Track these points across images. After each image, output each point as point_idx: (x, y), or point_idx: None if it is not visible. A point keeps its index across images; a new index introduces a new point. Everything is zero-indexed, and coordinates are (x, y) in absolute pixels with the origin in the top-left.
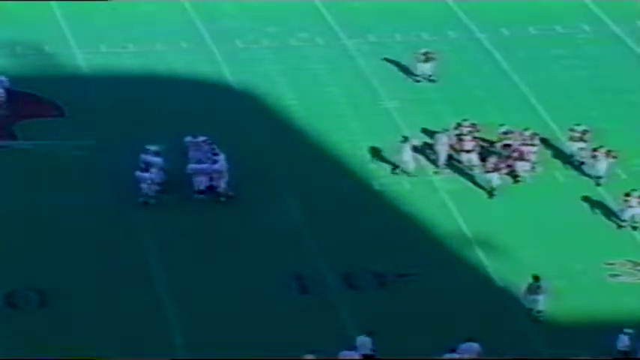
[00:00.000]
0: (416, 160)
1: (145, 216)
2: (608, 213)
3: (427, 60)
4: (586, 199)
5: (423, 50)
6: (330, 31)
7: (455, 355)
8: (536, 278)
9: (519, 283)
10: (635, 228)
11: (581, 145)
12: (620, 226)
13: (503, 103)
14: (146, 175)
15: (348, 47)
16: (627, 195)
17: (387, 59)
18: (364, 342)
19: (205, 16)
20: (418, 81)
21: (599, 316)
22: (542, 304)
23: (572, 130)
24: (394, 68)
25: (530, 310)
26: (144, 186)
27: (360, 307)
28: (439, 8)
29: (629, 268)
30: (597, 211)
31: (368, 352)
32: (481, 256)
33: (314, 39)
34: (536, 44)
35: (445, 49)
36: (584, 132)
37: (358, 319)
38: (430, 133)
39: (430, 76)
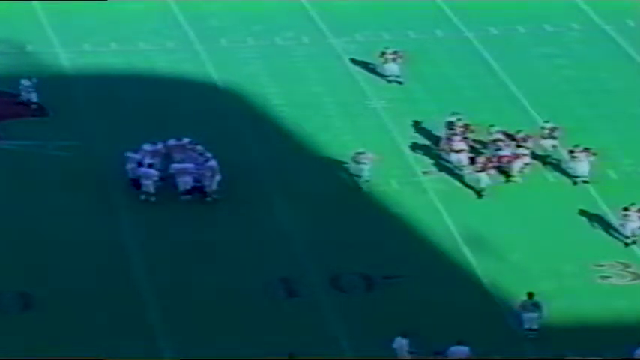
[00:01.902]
0: (370, 172)
1: (129, 217)
2: (599, 214)
3: (395, 60)
4: (576, 199)
5: (392, 50)
6: (316, 29)
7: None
8: (530, 295)
9: (509, 285)
10: (634, 242)
11: (552, 142)
12: (626, 244)
13: (491, 102)
14: (152, 171)
15: (335, 46)
16: (626, 209)
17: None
18: (402, 343)
19: (190, 15)
20: (396, 81)
21: (588, 317)
22: (537, 322)
23: (542, 127)
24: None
25: (525, 328)
26: (147, 183)
27: (347, 310)
28: (427, 7)
29: (619, 270)
30: (587, 212)
31: (406, 353)
32: (470, 258)
33: (300, 38)
34: (525, 43)
35: (433, 48)
36: (553, 129)
37: (345, 321)
38: (421, 132)
39: (398, 76)
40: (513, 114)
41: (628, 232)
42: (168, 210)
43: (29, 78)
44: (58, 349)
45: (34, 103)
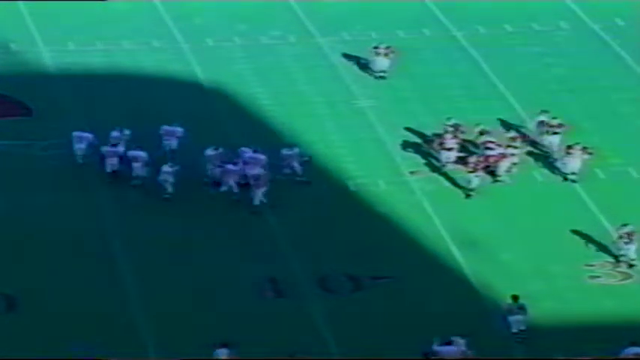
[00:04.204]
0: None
1: (115, 216)
2: (588, 214)
3: (387, 55)
4: (565, 199)
5: (384, 45)
6: (302, 28)
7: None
8: (515, 298)
9: (498, 285)
10: (631, 266)
11: (557, 138)
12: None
13: (480, 101)
14: (141, 153)
15: (322, 45)
16: (628, 234)
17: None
18: (459, 343)
19: (175, 14)
20: (381, 77)
21: (578, 317)
22: (524, 324)
23: (547, 124)
24: (369, 66)
25: (513, 332)
26: (136, 165)
27: (335, 311)
28: (414, 6)
29: (609, 270)
30: (576, 212)
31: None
32: (458, 258)
33: (286, 37)
34: (513, 42)
35: (421, 47)
36: (560, 125)
37: (333, 322)
38: (408, 132)
39: (384, 72)
40: (502, 113)
41: (632, 254)
42: (154, 209)
43: (120, 129)
44: (42, 350)
45: (122, 156)
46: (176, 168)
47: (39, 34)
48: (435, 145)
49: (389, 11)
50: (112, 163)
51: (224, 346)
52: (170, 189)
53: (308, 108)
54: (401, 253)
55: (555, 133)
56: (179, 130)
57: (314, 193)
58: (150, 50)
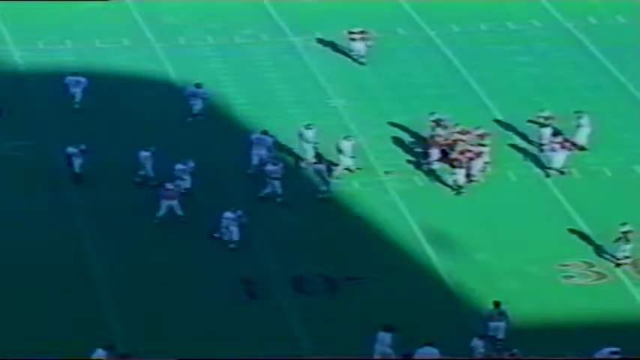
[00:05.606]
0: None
1: (86, 218)
2: (563, 214)
3: (362, 39)
4: (539, 199)
5: (359, 29)
6: (275, 27)
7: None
8: (496, 304)
9: (473, 285)
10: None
11: (548, 130)
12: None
13: (454, 100)
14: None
15: (295, 44)
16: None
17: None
18: (477, 344)
19: (147, 13)
20: (356, 59)
21: (552, 317)
22: (504, 331)
23: (538, 116)
24: (343, 65)
25: (492, 337)
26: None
27: (310, 312)
28: (388, 4)
29: (583, 270)
30: (551, 211)
31: (479, 355)
32: (433, 259)
33: (259, 36)
34: (487, 41)
35: (395, 46)
36: (548, 117)
37: (308, 323)
38: (383, 131)
39: (362, 57)
40: (475, 112)
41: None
42: (127, 210)
43: (183, 162)
44: (15, 351)
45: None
46: (238, 214)
47: (9, 33)
48: (433, 142)
49: (362, 10)
50: (78, 163)
51: (388, 329)
52: (235, 237)
53: (281, 107)
54: (375, 253)
55: (544, 125)
56: (201, 91)
57: (288, 193)
58: (121, 49)
